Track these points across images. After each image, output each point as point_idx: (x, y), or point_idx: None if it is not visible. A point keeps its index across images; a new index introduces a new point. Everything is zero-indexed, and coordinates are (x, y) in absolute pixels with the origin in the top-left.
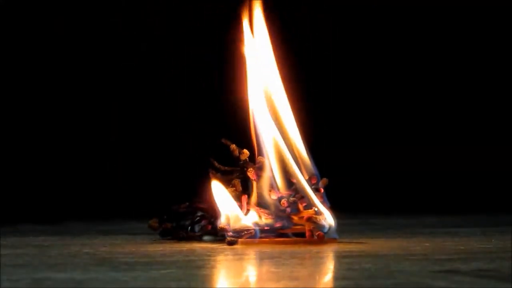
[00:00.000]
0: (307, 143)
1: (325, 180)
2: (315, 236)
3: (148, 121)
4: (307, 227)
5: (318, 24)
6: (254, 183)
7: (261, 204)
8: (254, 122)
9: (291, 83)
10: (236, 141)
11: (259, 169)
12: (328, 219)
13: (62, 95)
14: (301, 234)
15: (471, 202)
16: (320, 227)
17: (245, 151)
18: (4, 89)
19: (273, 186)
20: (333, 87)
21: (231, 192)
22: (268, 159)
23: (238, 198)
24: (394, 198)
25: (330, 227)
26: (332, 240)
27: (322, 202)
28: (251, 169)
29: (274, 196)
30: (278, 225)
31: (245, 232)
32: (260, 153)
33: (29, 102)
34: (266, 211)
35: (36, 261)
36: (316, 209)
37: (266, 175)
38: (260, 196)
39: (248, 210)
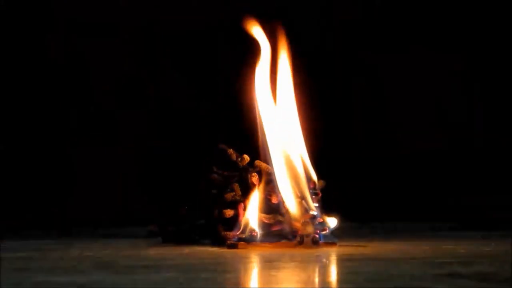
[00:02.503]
0: (307, 144)
1: (321, 182)
2: (311, 240)
3: (148, 124)
4: (301, 232)
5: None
6: (255, 188)
7: (262, 208)
8: (261, 126)
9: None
10: (234, 146)
11: (258, 173)
12: (327, 223)
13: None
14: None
15: (471, 205)
16: (315, 232)
17: (245, 156)
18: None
19: (274, 190)
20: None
21: (230, 197)
22: (272, 163)
23: (238, 203)
24: (395, 201)
25: (326, 232)
26: (331, 244)
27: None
28: (255, 174)
29: (275, 200)
30: (276, 228)
31: (248, 236)
32: (266, 158)
33: (26, 103)
34: (267, 215)
35: (36, 265)
36: (314, 213)
37: (265, 179)
38: (261, 200)
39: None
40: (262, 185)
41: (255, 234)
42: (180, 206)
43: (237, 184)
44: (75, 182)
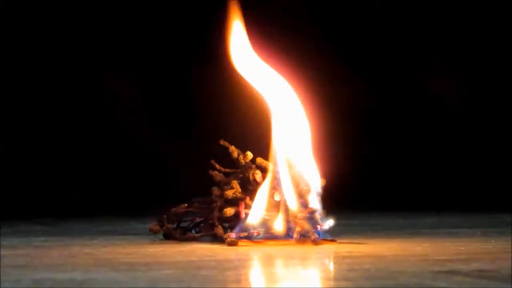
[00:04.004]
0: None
1: (323, 180)
2: (310, 237)
3: (148, 123)
4: (300, 228)
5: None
6: (259, 185)
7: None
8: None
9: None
10: (236, 142)
11: (261, 170)
12: (325, 221)
13: (58, 97)
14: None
15: (471, 202)
16: (315, 228)
17: (248, 153)
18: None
19: (276, 188)
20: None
21: (231, 194)
22: (277, 161)
23: (238, 200)
24: (394, 199)
25: (323, 229)
26: (331, 241)
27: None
28: (258, 172)
29: (277, 198)
30: (277, 226)
31: (248, 234)
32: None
33: (27, 103)
34: (269, 213)
35: (36, 262)
36: (313, 209)
37: (268, 176)
38: (264, 198)
39: (246, 214)
40: (268, 182)
41: (256, 232)
42: (181, 203)
43: (235, 181)
44: (75, 180)
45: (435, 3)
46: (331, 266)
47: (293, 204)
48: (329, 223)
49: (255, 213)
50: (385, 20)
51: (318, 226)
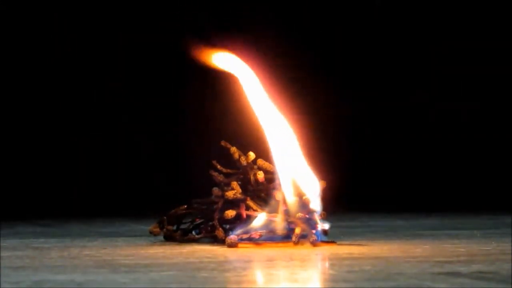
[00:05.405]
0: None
1: (322, 182)
2: (309, 239)
3: (148, 122)
4: (299, 230)
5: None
6: (258, 186)
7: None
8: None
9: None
10: (237, 143)
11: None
12: (322, 223)
13: (66, 97)
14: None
15: (471, 203)
16: (313, 228)
17: (250, 153)
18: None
19: (277, 188)
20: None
21: (232, 195)
22: (276, 161)
23: (238, 201)
24: (394, 200)
25: (320, 230)
26: (330, 243)
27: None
28: (261, 172)
29: (279, 197)
30: (277, 227)
31: (249, 235)
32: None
33: (27, 103)
34: (271, 214)
35: (36, 263)
36: (313, 211)
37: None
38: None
39: (247, 216)
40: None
41: (257, 234)
42: (180, 205)
43: (235, 182)
44: (75, 180)
45: (435, 3)
46: (331, 267)
47: (293, 205)
48: (325, 226)
49: (259, 215)
50: (385, 20)
51: (318, 226)
